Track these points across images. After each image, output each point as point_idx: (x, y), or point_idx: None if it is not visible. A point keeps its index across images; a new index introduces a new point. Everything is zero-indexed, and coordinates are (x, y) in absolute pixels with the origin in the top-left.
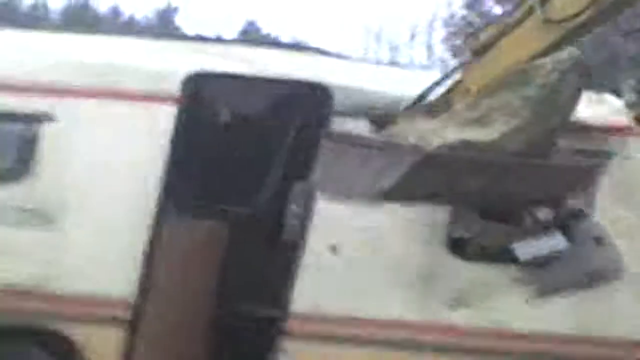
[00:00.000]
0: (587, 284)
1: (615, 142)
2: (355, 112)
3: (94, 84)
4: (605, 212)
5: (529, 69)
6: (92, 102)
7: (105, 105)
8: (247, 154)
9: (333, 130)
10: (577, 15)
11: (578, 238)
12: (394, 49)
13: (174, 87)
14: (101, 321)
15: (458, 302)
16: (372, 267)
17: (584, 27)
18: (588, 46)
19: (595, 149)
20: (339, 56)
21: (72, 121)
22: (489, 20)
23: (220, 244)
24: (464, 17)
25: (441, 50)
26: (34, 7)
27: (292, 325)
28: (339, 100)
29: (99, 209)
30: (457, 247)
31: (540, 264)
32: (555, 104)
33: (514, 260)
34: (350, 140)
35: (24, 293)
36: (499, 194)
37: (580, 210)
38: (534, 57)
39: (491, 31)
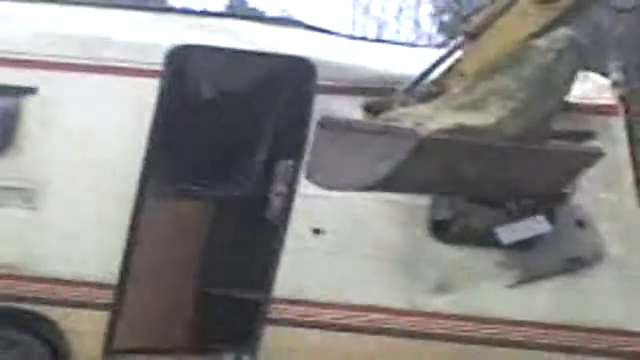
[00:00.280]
0: (568, 270)
1: (599, 122)
2: (339, 88)
3: (76, 57)
4: (589, 194)
5: (524, 50)
6: (74, 75)
7: (87, 78)
8: (230, 131)
9: (328, 116)
10: None
11: (561, 221)
12: (381, 23)
13: (157, 60)
14: (83, 303)
15: (440, 287)
16: (355, 252)
17: (578, 7)
18: (574, 25)
19: (578, 129)
20: (324, 31)
21: (54, 95)
22: None
23: (202, 224)
24: None
25: (428, 26)
26: None
27: (274, 309)
28: (323, 76)
29: (80, 188)
30: (440, 229)
31: (522, 247)
32: (552, 85)
33: (496, 243)
34: (345, 126)
35: (4, 274)
36: (498, 181)
37: (564, 193)
38: (529, 39)
39: (485, 13)
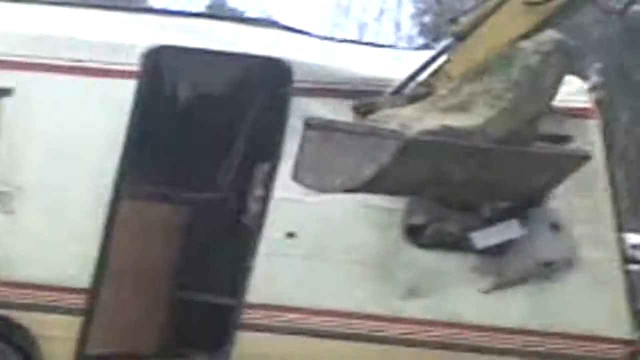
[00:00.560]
0: (542, 274)
1: (576, 125)
2: (316, 90)
3: (53, 58)
4: (563, 197)
5: (511, 53)
6: (51, 77)
7: (64, 79)
8: (205, 133)
9: (315, 117)
10: None
11: (534, 225)
12: (362, 25)
13: (134, 60)
14: (56, 308)
15: (414, 292)
16: (329, 256)
17: (564, 10)
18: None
19: (555, 132)
20: (300, 32)
21: (30, 96)
22: None
23: (177, 227)
24: None
25: (409, 27)
26: None
27: (248, 314)
28: (299, 77)
29: (54, 191)
30: (414, 234)
31: (496, 252)
32: (538, 87)
33: (470, 248)
34: (332, 128)
35: None
36: (485, 183)
37: (539, 196)
38: (516, 40)
39: (472, 15)
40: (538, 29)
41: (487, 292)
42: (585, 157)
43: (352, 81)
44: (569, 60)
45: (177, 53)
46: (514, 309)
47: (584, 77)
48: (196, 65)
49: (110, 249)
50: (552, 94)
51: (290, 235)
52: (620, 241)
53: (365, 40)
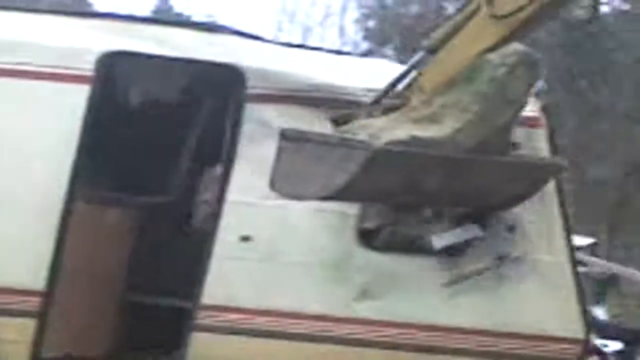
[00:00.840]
0: (494, 268)
1: (523, 134)
2: (270, 96)
3: (4, 62)
4: None
5: (477, 65)
6: (2, 80)
7: (16, 84)
8: (158, 138)
9: (289, 128)
10: (520, 10)
11: (492, 226)
12: (306, 29)
13: (87, 66)
14: (10, 311)
15: (367, 294)
16: (283, 259)
17: (530, 22)
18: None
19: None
20: (254, 37)
21: None
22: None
23: (129, 232)
24: None
25: (353, 32)
26: None
27: (203, 316)
28: (254, 83)
29: (7, 194)
30: (368, 237)
31: (453, 252)
32: (506, 98)
33: (426, 249)
34: (305, 138)
35: None
36: (459, 192)
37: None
38: (484, 53)
39: (443, 29)
40: (506, 41)
41: (445, 285)
42: (561, 167)
43: (306, 87)
44: (534, 72)
45: (131, 58)
46: (466, 309)
47: None
48: (150, 70)
49: (64, 252)
50: (521, 104)
51: (245, 238)
52: (570, 244)
53: (311, 44)
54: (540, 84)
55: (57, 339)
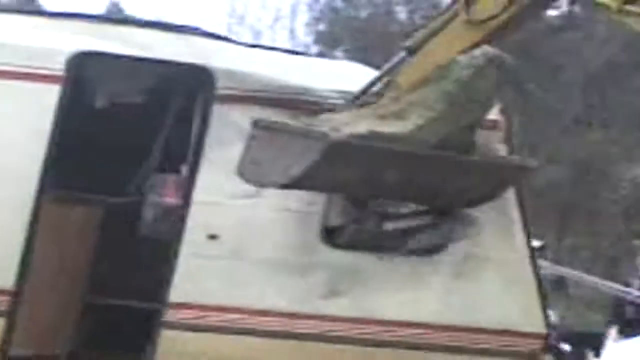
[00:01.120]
0: (441, 245)
1: (482, 135)
2: (238, 97)
3: None
4: None
5: (446, 66)
6: None
7: None
8: (127, 138)
9: (262, 119)
10: (495, 17)
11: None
12: (257, 32)
13: (58, 66)
14: None
15: (332, 291)
16: (250, 257)
17: (505, 28)
18: None
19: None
20: (223, 38)
21: None
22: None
23: (93, 231)
24: (327, 2)
25: (303, 35)
26: None
27: (170, 314)
28: (222, 84)
29: None
30: (332, 235)
31: (405, 233)
32: (471, 99)
33: (389, 247)
34: (273, 128)
35: None
36: (421, 187)
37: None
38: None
39: (423, 31)
40: (480, 45)
41: (380, 258)
42: (531, 168)
43: (274, 89)
44: (502, 74)
45: (101, 59)
46: (430, 305)
47: None
48: (119, 71)
49: (33, 251)
50: (487, 106)
51: (213, 237)
52: (529, 242)
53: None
54: None
55: (24, 338)
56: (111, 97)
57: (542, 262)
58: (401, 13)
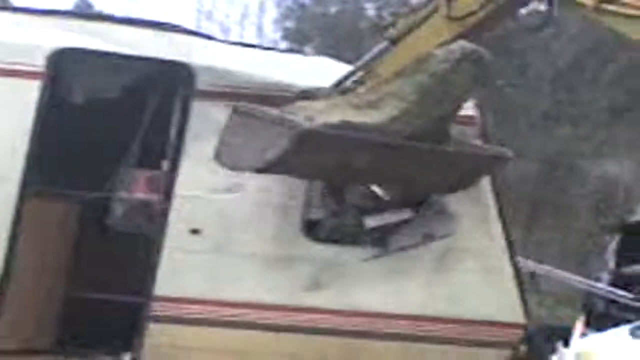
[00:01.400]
0: (422, 243)
1: (456, 130)
2: (218, 93)
3: None
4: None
5: (423, 59)
6: None
7: None
8: (107, 134)
9: (242, 104)
10: (473, 13)
11: (423, 210)
12: (225, 29)
13: (38, 62)
14: None
15: (313, 284)
16: (232, 250)
17: (483, 25)
18: None
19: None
20: (204, 36)
21: None
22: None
23: (72, 226)
24: None
25: (271, 31)
26: None
27: (155, 307)
28: (202, 80)
29: None
30: (312, 229)
31: (386, 231)
32: (445, 93)
33: (367, 240)
34: (250, 114)
35: None
36: (393, 176)
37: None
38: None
39: (406, 22)
40: (459, 39)
41: (366, 260)
42: (501, 159)
43: (254, 85)
44: (479, 69)
45: (82, 55)
46: (410, 297)
47: None
48: (100, 67)
49: (17, 247)
50: (462, 99)
51: (195, 231)
52: (506, 231)
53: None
54: None
55: (9, 332)
56: (93, 93)
57: None
58: (370, 10)
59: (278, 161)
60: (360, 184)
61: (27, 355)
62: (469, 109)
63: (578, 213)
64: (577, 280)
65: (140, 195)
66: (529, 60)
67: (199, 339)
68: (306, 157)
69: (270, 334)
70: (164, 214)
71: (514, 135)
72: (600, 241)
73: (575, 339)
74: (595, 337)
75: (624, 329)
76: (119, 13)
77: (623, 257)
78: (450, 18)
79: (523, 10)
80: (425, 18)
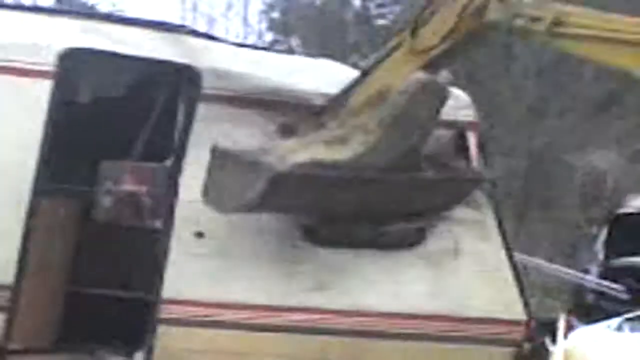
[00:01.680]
0: (414, 237)
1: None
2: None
3: None
4: None
5: (384, 92)
6: None
7: None
8: (115, 134)
9: (217, 145)
10: (434, 47)
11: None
12: (210, 20)
13: (49, 61)
14: None
15: (315, 286)
16: (236, 254)
17: (446, 57)
18: None
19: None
20: (211, 37)
21: None
22: None
23: (76, 224)
24: None
25: (256, 22)
26: None
27: (159, 309)
28: (209, 83)
29: None
30: (311, 233)
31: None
32: (408, 125)
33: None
34: (227, 156)
35: None
36: (372, 210)
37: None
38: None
39: (378, 54)
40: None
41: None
42: (479, 181)
43: (259, 90)
44: (438, 98)
45: (93, 56)
46: (414, 295)
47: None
48: (109, 68)
49: (30, 246)
50: (426, 129)
51: (200, 234)
52: (502, 230)
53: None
54: (445, 75)
55: (23, 332)
56: (101, 93)
57: None
58: (355, 0)
59: (259, 202)
60: (345, 218)
61: (45, 354)
62: (470, 115)
63: (566, 206)
64: (567, 272)
65: (127, 187)
66: (513, 53)
67: (203, 341)
68: (285, 196)
69: (273, 335)
70: (158, 206)
71: (500, 129)
72: (589, 233)
73: (560, 335)
74: (582, 332)
75: (612, 322)
76: (104, 5)
77: (611, 249)
78: (413, 51)
79: None
80: (391, 51)
